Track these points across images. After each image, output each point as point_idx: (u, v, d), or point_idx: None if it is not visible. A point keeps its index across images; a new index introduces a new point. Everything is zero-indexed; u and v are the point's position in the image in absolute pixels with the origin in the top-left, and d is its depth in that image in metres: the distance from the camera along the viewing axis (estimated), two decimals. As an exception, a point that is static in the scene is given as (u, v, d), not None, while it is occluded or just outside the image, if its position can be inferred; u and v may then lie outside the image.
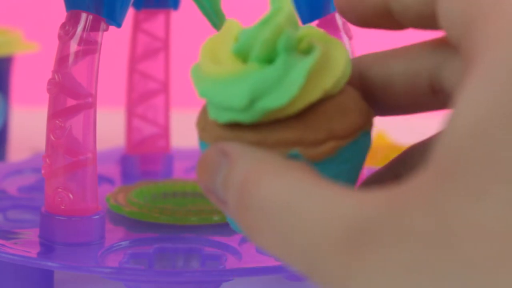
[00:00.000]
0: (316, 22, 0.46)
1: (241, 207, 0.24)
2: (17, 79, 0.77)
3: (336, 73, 0.27)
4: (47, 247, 0.43)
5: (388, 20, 0.27)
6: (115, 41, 0.63)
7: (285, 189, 0.23)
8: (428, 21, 0.26)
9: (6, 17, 1.02)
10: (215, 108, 0.27)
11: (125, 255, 0.42)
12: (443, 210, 0.20)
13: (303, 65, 0.26)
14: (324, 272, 0.21)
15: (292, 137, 0.26)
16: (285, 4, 0.26)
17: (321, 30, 0.28)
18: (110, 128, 0.72)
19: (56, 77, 0.43)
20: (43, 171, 0.43)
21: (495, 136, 0.20)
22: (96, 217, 0.44)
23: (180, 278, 0.40)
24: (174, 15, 0.60)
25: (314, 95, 0.26)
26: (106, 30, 0.44)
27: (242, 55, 0.27)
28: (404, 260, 0.20)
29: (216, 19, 0.48)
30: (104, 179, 0.57)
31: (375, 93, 0.28)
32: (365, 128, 0.27)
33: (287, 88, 0.25)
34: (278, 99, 0.25)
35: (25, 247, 0.43)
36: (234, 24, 0.28)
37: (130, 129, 0.60)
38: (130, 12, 0.57)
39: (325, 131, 0.26)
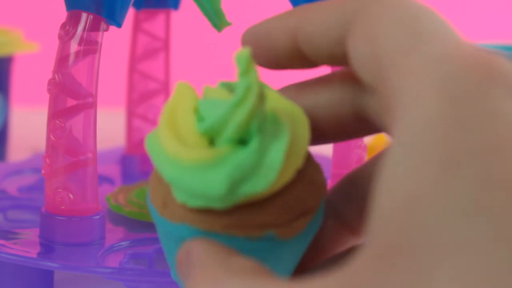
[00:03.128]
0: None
1: None
2: (17, 79, 0.77)
3: (304, 149, 0.26)
4: (47, 247, 0.43)
5: (300, 60, 0.27)
6: (115, 41, 0.63)
7: None
8: (342, 60, 0.25)
9: (6, 17, 1.02)
10: (185, 193, 0.25)
11: (125, 255, 0.42)
12: None
13: (278, 148, 0.25)
14: None
15: (267, 220, 0.25)
16: (254, 81, 0.24)
17: (276, 93, 0.27)
18: (110, 128, 0.72)
19: (56, 77, 0.43)
20: (43, 171, 0.43)
21: (424, 214, 0.20)
22: (96, 217, 0.44)
23: (180, 278, 0.40)
24: (174, 15, 0.60)
25: (288, 175, 0.25)
26: (106, 30, 0.44)
27: (210, 135, 0.25)
28: None
29: (216, 19, 0.48)
30: (104, 179, 0.57)
31: None
32: (325, 195, 0.27)
33: (266, 174, 0.24)
34: (258, 185, 0.24)
35: (25, 247, 0.43)
36: (187, 89, 0.27)
37: (130, 129, 0.60)
38: (130, 12, 0.57)
39: (299, 210, 0.26)
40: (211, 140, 0.25)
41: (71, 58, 0.43)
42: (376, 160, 0.27)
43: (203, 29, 0.77)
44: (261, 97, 0.25)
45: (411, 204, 0.20)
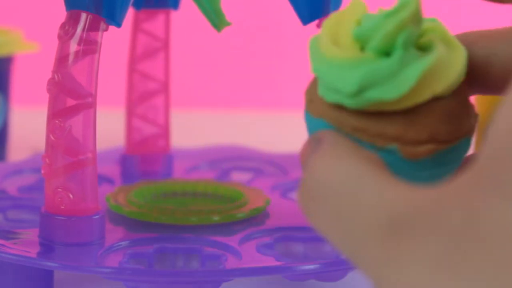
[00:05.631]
0: (316, 22, 0.46)
1: (304, 186, 0.26)
2: (17, 79, 0.77)
3: (449, 79, 0.27)
4: (47, 247, 0.43)
5: None
6: (115, 41, 0.63)
7: (343, 172, 0.25)
8: None
9: (6, 17, 1.02)
10: (325, 87, 0.27)
11: (125, 255, 0.42)
12: (476, 209, 0.20)
13: (418, 65, 0.26)
14: (363, 257, 0.23)
15: (393, 132, 0.27)
16: (413, 0, 0.26)
17: (445, 28, 0.28)
18: (110, 128, 0.72)
19: (56, 77, 0.43)
20: (43, 171, 0.43)
21: None
22: (96, 217, 0.44)
23: (180, 278, 0.40)
24: (174, 15, 0.60)
25: (423, 96, 0.27)
26: (106, 30, 0.44)
27: (362, 41, 0.27)
28: (432, 253, 0.21)
29: (216, 19, 0.48)
30: (104, 179, 0.57)
31: (474, 70, 0.29)
32: (467, 135, 0.28)
33: (398, 85, 0.26)
34: (387, 93, 0.26)
35: (25, 247, 0.43)
36: (359, 4, 0.29)
37: (130, 129, 0.60)
38: (130, 12, 0.57)
39: (427, 133, 0.27)
40: (363, 46, 0.27)
41: (71, 58, 0.43)
42: None
43: (203, 29, 0.77)
44: (414, 15, 0.26)
45: None
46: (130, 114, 0.60)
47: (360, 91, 0.26)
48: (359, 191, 0.24)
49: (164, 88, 0.60)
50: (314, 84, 0.29)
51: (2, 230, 0.46)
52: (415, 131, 0.27)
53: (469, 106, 0.28)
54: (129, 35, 0.59)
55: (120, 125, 0.63)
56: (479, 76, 0.29)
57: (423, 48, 0.27)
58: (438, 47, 0.27)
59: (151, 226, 0.47)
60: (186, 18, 0.73)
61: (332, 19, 0.29)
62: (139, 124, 0.60)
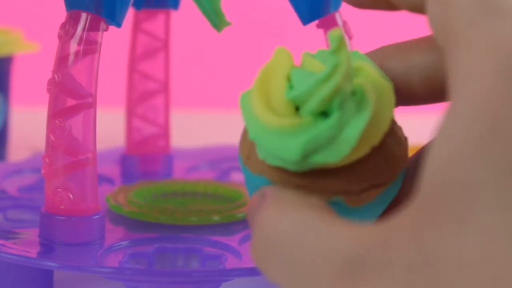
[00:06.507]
0: (316, 22, 0.46)
1: (255, 244, 0.26)
2: (17, 79, 0.77)
3: (384, 126, 0.27)
4: (47, 247, 0.43)
5: (382, 2, 0.28)
6: (115, 41, 0.63)
7: (290, 222, 0.25)
8: (422, 10, 0.26)
9: (6, 17, 1.02)
10: (265, 152, 0.27)
11: (125, 255, 0.42)
12: (426, 243, 0.21)
13: (356, 125, 0.26)
14: None
15: (337, 187, 0.27)
16: (343, 60, 0.26)
17: (369, 65, 0.28)
18: (110, 128, 0.72)
19: (56, 77, 0.43)
20: (43, 171, 0.43)
21: (466, 173, 0.21)
22: (96, 217, 0.44)
23: (180, 278, 0.40)
24: (174, 15, 0.60)
25: (362, 151, 0.27)
26: (106, 30, 0.44)
27: (296, 103, 0.27)
28: None
29: (216, 19, 0.48)
30: (104, 179, 0.57)
31: (396, 84, 0.29)
32: (404, 168, 0.28)
33: (340, 147, 0.26)
34: (330, 156, 0.26)
35: (25, 247, 0.43)
36: (285, 55, 0.29)
37: (130, 129, 0.60)
38: (130, 12, 0.57)
39: (371, 182, 0.27)
40: (297, 107, 0.27)
41: (71, 58, 0.43)
42: None
43: (203, 29, 0.77)
44: (347, 76, 0.26)
45: (455, 163, 0.21)
46: (130, 114, 0.60)
47: (304, 158, 0.26)
48: (308, 239, 0.24)
49: (164, 88, 0.60)
50: (248, 140, 0.29)
51: (2, 230, 0.46)
52: (358, 183, 0.27)
53: (400, 136, 0.29)
54: (129, 35, 0.59)
55: (120, 125, 0.63)
56: (402, 89, 0.29)
57: (358, 101, 0.27)
58: (370, 97, 0.27)
59: (151, 226, 0.47)
60: (186, 18, 0.73)
61: (260, 75, 0.28)
62: (139, 124, 0.60)
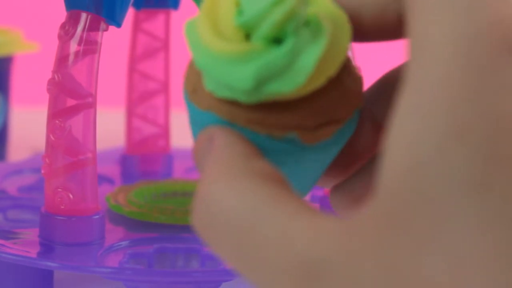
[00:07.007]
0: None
1: (198, 210, 0.25)
2: (17, 79, 0.77)
3: (340, 57, 0.26)
4: (47, 247, 0.43)
5: None
6: (115, 41, 0.63)
7: (243, 201, 0.23)
8: None
9: (6, 17, 1.02)
10: (214, 82, 0.25)
11: (125, 255, 0.42)
12: (390, 261, 0.20)
13: (312, 53, 0.25)
14: None
15: (291, 121, 0.25)
16: None
17: (328, 2, 0.27)
18: (110, 128, 0.72)
19: (56, 77, 0.43)
20: (43, 171, 0.43)
21: (426, 181, 0.20)
22: (96, 217, 0.44)
23: (180, 278, 0.40)
24: (174, 15, 0.60)
25: (318, 82, 0.25)
26: (106, 30, 0.44)
27: (246, 29, 0.25)
28: None
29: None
30: (104, 179, 0.57)
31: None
32: (359, 106, 0.27)
33: (295, 76, 0.25)
34: (284, 85, 0.24)
35: (25, 247, 0.43)
36: None
37: (130, 129, 0.60)
38: (130, 12, 0.57)
39: (327, 117, 0.26)
40: (248, 34, 0.25)
41: (71, 58, 0.43)
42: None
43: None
44: (303, 0, 0.25)
45: (414, 170, 0.20)
46: (130, 114, 0.60)
47: (257, 87, 0.24)
48: (262, 227, 0.22)
49: (164, 88, 0.60)
50: (194, 72, 0.27)
51: (2, 230, 0.46)
52: (314, 117, 0.25)
53: (355, 73, 0.27)
54: (129, 35, 0.59)
55: (120, 125, 0.63)
56: (353, 25, 0.27)
57: (313, 30, 0.26)
58: (326, 26, 0.25)
59: (151, 226, 0.47)
60: (186, 18, 0.73)
61: (207, 0, 0.26)
62: (139, 124, 0.60)
